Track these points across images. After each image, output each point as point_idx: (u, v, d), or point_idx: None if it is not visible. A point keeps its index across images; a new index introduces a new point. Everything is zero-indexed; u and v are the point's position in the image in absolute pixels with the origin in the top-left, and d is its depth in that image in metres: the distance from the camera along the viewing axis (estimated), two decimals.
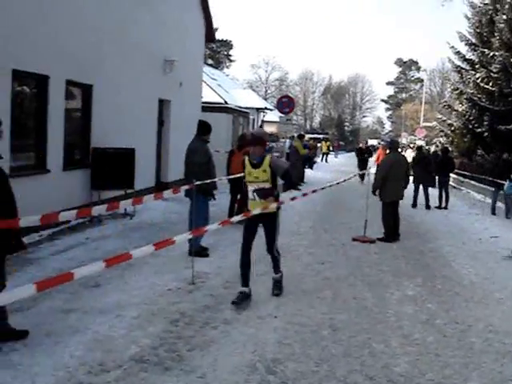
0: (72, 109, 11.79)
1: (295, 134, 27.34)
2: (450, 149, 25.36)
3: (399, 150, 13.47)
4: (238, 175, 11.58)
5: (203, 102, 22.98)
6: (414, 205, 17.92)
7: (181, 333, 5.71)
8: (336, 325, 6.23)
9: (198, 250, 9.13)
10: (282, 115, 21.23)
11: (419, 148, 21.03)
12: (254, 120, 41.94)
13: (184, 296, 6.99)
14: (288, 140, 25.19)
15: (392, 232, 11.53)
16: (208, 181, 9.17)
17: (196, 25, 19.85)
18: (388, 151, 13.13)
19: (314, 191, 10.61)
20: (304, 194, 10.32)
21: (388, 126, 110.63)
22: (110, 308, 6.37)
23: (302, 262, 9.20)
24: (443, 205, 18.15)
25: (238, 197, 12.43)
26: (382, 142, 51.51)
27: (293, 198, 9.31)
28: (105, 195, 12.08)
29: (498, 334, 6.35)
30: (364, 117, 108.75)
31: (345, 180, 11.86)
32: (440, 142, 30.81)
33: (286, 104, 20.72)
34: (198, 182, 8.36)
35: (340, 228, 12.66)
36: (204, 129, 9.59)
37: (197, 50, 20.63)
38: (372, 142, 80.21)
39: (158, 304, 6.60)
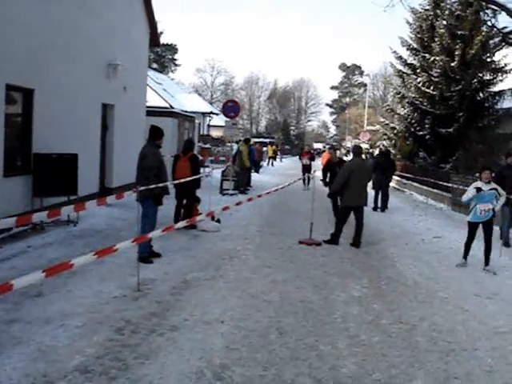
0: (12, 114, 11.47)
1: (241, 138, 27.32)
2: (391, 151, 25.87)
3: (362, 155, 13.60)
4: (184, 180, 11.61)
5: (148, 107, 22.72)
6: (375, 208, 18.31)
7: (126, 341, 5.61)
8: (283, 328, 6.24)
9: (144, 257, 9.04)
10: (228, 119, 21.20)
11: (382, 153, 21.35)
12: (199, 124, 41.81)
13: (129, 303, 6.87)
14: (235, 144, 25.16)
15: (339, 235, 11.63)
16: (161, 184, 9.10)
17: (140, 29, 19.62)
18: (351, 156, 13.20)
19: (259, 196, 10.67)
20: (249, 199, 10.36)
21: (333, 130, 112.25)
22: (54, 317, 6.20)
23: (250, 266, 9.19)
24: (379, 205, 18.52)
25: (184, 202, 12.46)
26: (327, 146, 52.28)
27: (238, 203, 9.31)
28: (47, 202, 11.78)
29: (441, 332, 6.49)
30: (309, 121, 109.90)
31: (289, 184, 11.92)
32: (383, 145, 31.33)
33: (231, 108, 20.70)
34: (143, 188, 8.26)
35: (287, 231, 12.70)
36: (156, 134, 9.54)
37: (141, 54, 20.39)
38: (317, 145, 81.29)
39: (102, 312, 6.46)
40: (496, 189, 10.10)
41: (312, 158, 27.51)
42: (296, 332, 6.15)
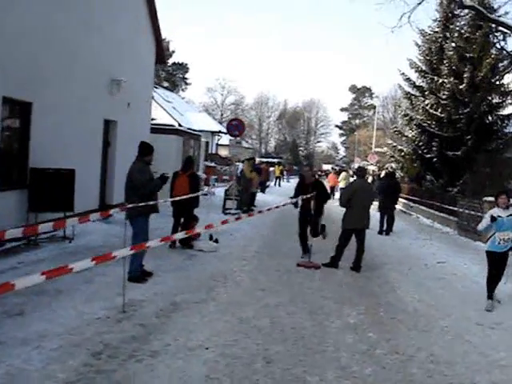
0: (9, 127, 11.30)
1: (247, 157, 27.12)
2: (398, 173, 25.56)
3: (366, 176, 13.30)
4: (181, 198, 11.36)
5: (153, 124, 22.62)
6: (381, 232, 17.96)
7: (102, 366, 5.30)
8: (271, 356, 5.91)
9: (137, 276, 8.76)
10: (232, 138, 20.98)
11: (387, 175, 21.00)
12: (207, 143, 41.74)
13: (112, 325, 6.57)
14: (241, 164, 24.96)
15: (339, 259, 11.30)
16: (151, 203, 8.84)
17: (146, 46, 19.53)
18: (355, 177, 12.86)
19: (260, 212, 10.46)
20: (249, 215, 10.19)
21: (342, 152, 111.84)
22: (31, 338, 5.90)
23: (243, 289, 8.86)
24: (384, 229, 18.13)
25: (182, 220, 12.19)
26: (335, 167, 52.05)
27: (238, 218, 9.14)
28: (42, 217, 11.54)
29: (439, 364, 6.14)
30: (318, 142, 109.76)
31: (284, 204, 11.60)
32: (392, 168, 31.05)
33: (235, 127, 20.47)
34: (131, 206, 8.01)
35: (286, 253, 12.38)
36: (145, 150, 9.28)
37: (146, 70, 20.28)
38: (326, 166, 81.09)
39: (82, 334, 6.15)
40: None
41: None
42: (283, 361, 5.81)
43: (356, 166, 57.37)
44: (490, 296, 9.05)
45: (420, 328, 7.52)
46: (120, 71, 16.35)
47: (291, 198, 14.62)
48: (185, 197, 11.17)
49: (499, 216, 8.90)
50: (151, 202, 8.71)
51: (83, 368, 5.23)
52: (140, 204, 8.36)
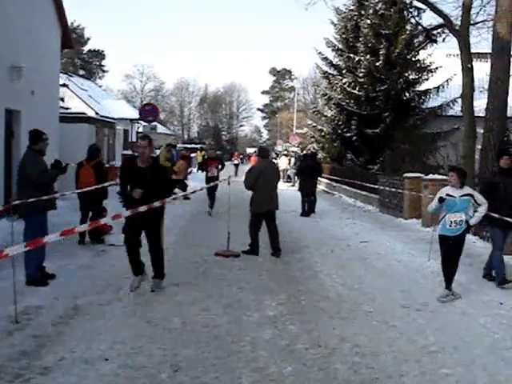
0: None
1: (173, 144, 26.24)
2: (318, 153, 25.36)
3: (271, 157, 12.73)
4: (88, 189, 10.53)
5: (64, 113, 21.44)
6: (303, 213, 17.58)
7: None
8: (179, 363, 5.26)
9: (36, 279, 7.93)
10: (146, 124, 20.07)
11: (306, 155, 20.49)
12: (126, 131, 40.46)
13: (1, 339, 5.77)
14: (158, 151, 24.04)
15: (257, 245, 10.79)
16: (45, 197, 8.00)
17: (50, 31, 18.33)
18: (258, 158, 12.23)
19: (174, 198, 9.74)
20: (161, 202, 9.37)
21: (265, 135, 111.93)
22: None
23: None
24: (305, 209, 17.80)
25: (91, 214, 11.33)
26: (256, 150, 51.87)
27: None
28: None
29: (365, 356, 5.66)
30: (241, 126, 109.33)
31: (202, 188, 10.97)
32: (314, 148, 30.87)
33: (149, 112, 19.57)
34: (19, 202, 7.18)
35: (205, 242, 11.73)
36: (36, 139, 8.34)
37: (52, 56, 19.05)
38: (251, 150, 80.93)
39: None
40: (471, 195, 8.05)
41: (241, 160, 27.58)
42: (193, 367, 5.17)
43: (279, 148, 57.40)
44: (448, 286, 8.03)
45: (343, 315, 7.05)
46: (21, 57, 15.18)
47: None
48: (89, 188, 10.35)
49: (450, 195, 7.98)
50: (46, 197, 7.86)
51: None
52: (33, 199, 7.54)
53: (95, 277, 8.55)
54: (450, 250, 8.02)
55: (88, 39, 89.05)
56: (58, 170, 8.31)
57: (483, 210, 8.11)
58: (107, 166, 23.95)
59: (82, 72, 75.61)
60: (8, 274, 7.71)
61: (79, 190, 10.78)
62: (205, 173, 17.65)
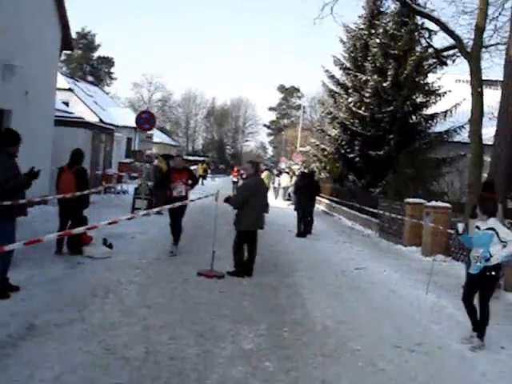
0: None
1: (173, 154, 25.62)
2: (316, 172, 24.69)
3: (263, 172, 12.07)
4: (67, 196, 9.89)
5: (60, 116, 20.90)
6: (299, 234, 16.83)
7: None
8: None
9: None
10: (142, 132, 19.43)
11: (304, 174, 19.77)
12: (129, 140, 40.06)
13: None
14: (156, 160, 23.41)
15: (244, 265, 10.11)
16: (22, 201, 7.39)
17: (49, 31, 17.85)
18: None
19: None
20: (158, 212, 8.73)
21: (270, 151, 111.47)
22: None
23: (125, 306, 7.40)
24: (302, 229, 17.05)
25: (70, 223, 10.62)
26: (264, 167, 51.68)
27: (130, 218, 7.83)
28: None
29: None
30: (247, 141, 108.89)
31: (199, 198, 10.32)
32: (317, 167, 30.21)
33: (146, 120, 18.91)
34: None
35: (190, 259, 11.05)
36: (8, 139, 7.70)
37: (50, 57, 18.52)
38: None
39: None
40: (494, 229, 6.95)
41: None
42: None
43: (282, 165, 56.73)
44: (479, 334, 7.02)
45: (327, 353, 6.33)
46: (15, 56, 14.63)
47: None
48: (67, 196, 9.70)
49: (478, 227, 7.10)
50: (10, 203, 7.21)
51: None
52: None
53: (62, 291, 7.85)
54: (472, 288, 7.15)
55: (98, 45, 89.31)
56: (30, 177, 7.65)
57: (508, 249, 6.90)
58: (100, 172, 23.42)
59: (90, 78, 75.49)
60: None
61: (59, 196, 10.15)
62: (167, 191, 12.00)
